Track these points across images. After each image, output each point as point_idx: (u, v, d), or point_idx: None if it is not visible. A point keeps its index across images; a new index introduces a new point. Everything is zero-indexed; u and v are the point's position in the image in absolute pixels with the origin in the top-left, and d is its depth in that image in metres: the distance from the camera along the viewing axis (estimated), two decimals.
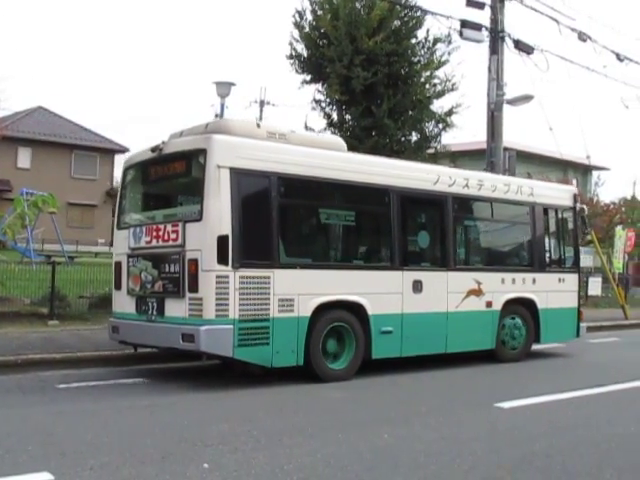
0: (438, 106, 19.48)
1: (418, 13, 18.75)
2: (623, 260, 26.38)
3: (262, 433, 6.82)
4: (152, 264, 9.59)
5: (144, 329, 9.68)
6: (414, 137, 19.30)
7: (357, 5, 18.54)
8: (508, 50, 17.11)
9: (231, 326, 8.85)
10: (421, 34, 19.07)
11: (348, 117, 19.02)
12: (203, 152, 9.05)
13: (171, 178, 10.13)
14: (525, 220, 12.81)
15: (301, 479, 5.49)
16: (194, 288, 8.89)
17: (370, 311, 10.22)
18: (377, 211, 10.96)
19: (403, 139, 18.82)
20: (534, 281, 12.58)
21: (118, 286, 10.40)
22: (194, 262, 8.89)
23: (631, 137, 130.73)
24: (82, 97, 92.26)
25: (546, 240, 13.03)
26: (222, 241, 8.81)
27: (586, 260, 24.89)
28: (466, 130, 19.07)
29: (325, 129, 19.30)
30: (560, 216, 13.29)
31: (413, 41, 19.02)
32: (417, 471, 5.81)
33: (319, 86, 19.23)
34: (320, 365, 9.82)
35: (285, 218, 9.75)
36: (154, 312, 9.55)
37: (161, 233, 9.49)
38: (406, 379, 10.44)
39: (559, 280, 13.03)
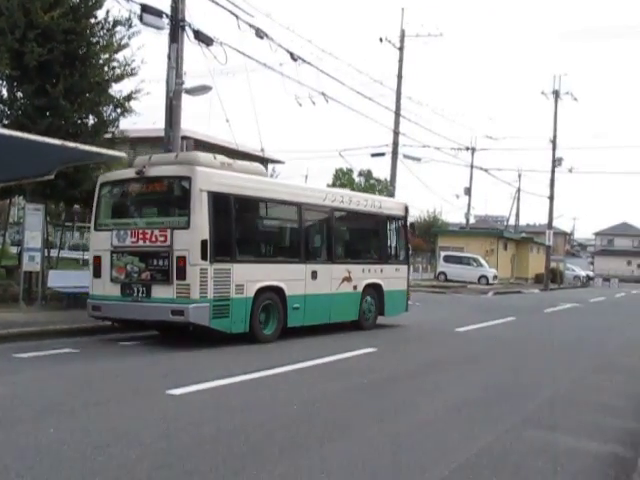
0: (117, 90, 18.93)
1: None
2: None
3: None
4: (139, 259, 12.56)
5: (130, 307, 12.61)
6: (91, 120, 18.50)
7: None
8: (188, 40, 17.10)
9: (208, 304, 12.23)
10: (101, 14, 18.35)
11: (20, 95, 17.80)
12: (188, 179, 12.29)
13: (153, 195, 13.05)
14: (376, 226, 17.45)
15: None
16: (182, 277, 12.07)
17: (287, 293, 13.96)
18: (292, 220, 14.66)
19: (79, 122, 18.02)
20: (381, 271, 17.05)
21: (98, 275, 13.14)
22: (183, 258, 12.08)
23: (304, 133, 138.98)
24: None
25: (388, 240, 17.70)
26: (204, 244, 12.12)
27: None
28: (146, 116, 18.75)
29: None
30: (397, 223, 17.86)
31: (92, 21, 18.25)
32: (83, 464, 5.64)
33: None
34: (258, 332, 13.41)
35: (238, 226, 13.17)
36: (140, 294, 12.50)
37: (148, 236, 12.47)
38: (77, 366, 10.12)
39: (396, 270, 17.65)
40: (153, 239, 12.43)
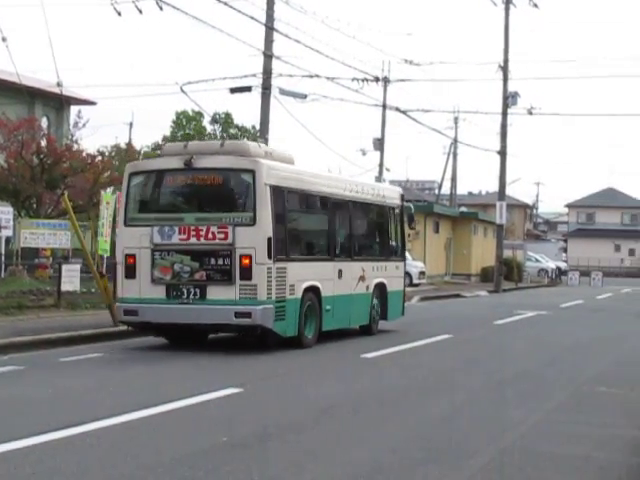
0: None
1: None
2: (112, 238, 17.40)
3: None
4: (190, 257, 12.43)
5: (179, 310, 12.48)
6: None
7: None
8: None
9: (272, 305, 12.33)
10: None
11: None
12: (251, 172, 12.40)
13: (203, 188, 12.98)
14: (380, 218, 16.93)
15: None
16: (248, 277, 12.15)
17: (322, 293, 13.67)
18: (324, 214, 14.68)
19: None
20: (385, 268, 16.35)
21: (131, 275, 12.72)
22: (248, 257, 12.16)
23: (127, 59, 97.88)
24: None
25: (389, 234, 16.97)
26: (269, 241, 12.26)
27: (61, 239, 22.11)
28: None
29: None
30: (395, 213, 17.04)
31: None
32: None
33: None
34: (303, 335, 13.22)
35: (291, 222, 13.54)
36: (192, 296, 12.40)
37: (202, 233, 12.39)
38: None
39: (396, 267, 16.96)
40: (210, 236, 12.36)
